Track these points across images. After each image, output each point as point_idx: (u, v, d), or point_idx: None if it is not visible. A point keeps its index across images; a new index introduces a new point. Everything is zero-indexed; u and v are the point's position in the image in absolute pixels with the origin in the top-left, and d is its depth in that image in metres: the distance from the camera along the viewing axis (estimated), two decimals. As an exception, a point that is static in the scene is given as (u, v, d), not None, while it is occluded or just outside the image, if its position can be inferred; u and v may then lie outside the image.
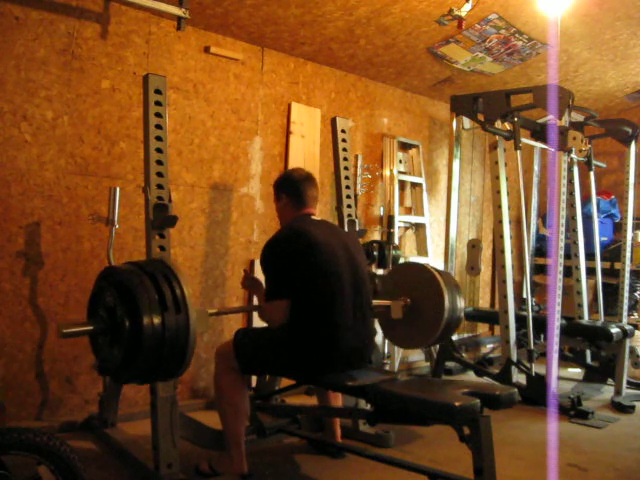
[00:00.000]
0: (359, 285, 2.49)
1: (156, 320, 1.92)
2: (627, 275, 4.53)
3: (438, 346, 4.39)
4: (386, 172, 4.48)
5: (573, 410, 3.54)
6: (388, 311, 2.91)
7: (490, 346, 5.21)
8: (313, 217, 2.57)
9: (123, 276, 2.01)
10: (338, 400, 2.78)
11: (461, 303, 2.96)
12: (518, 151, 3.91)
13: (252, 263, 3.72)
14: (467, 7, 3.36)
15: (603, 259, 4.82)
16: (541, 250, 5.41)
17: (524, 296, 4.67)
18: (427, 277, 2.97)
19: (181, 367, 2.04)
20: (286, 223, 2.58)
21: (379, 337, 4.32)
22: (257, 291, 2.55)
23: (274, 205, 2.70)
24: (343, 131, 3.23)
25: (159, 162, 2.46)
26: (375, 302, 2.82)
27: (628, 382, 4.11)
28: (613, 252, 5.06)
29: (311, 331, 2.34)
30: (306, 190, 2.57)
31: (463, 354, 4.46)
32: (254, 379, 3.20)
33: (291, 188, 2.57)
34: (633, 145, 4.64)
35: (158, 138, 2.46)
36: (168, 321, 1.94)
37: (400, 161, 4.60)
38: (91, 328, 2.02)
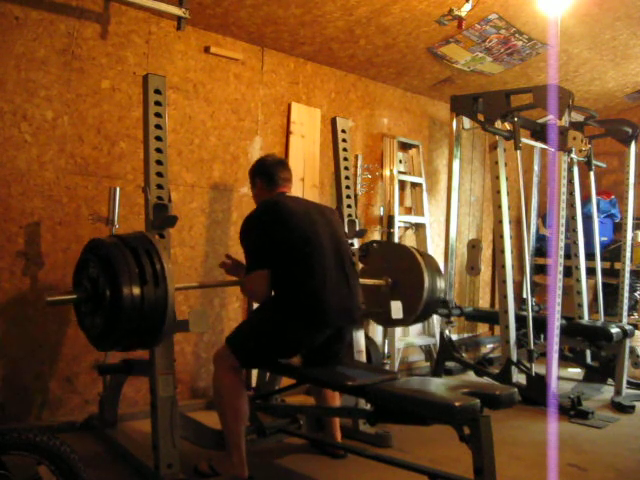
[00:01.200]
0: (339, 247, 2.54)
1: (135, 291, 2.04)
2: (627, 275, 4.52)
3: (438, 346, 4.40)
4: (386, 172, 4.48)
5: (573, 410, 3.54)
6: (375, 291, 3.03)
7: (490, 346, 5.21)
8: (287, 194, 2.65)
9: (107, 249, 2.11)
10: (336, 400, 2.78)
11: (441, 284, 3.05)
12: (518, 151, 3.91)
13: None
14: (467, 7, 3.36)
15: (603, 259, 4.81)
16: (541, 250, 5.41)
17: (524, 296, 4.67)
18: (408, 258, 3.04)
19: (158, 336, 2.16)
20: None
21: (379, 337, 4.35)
22: (239, 274, 2.63)
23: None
24: (343, 131, 3.22)
25: (159, 162, 2.46)
26: (362, 281, 2.93)
27: (628, 382, 4.11)
28: (613, 252, 5.06)
29: (295, 296, 2.39)
30: (278, 173, 2.67)
31: (463, 354, 4.46)
32: (254, 379, 3.20)
33: (264, 172, 2.68)
34: (633, 145, 4.64)
35: (158, 138, 2.46)
36: (147, 293, 2.06)
37: (400, 161, 4.60)
38: (74, 297, 2.16)
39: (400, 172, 4.56)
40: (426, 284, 2.92)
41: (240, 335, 2.49)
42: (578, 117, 4.62)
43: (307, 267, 2.39)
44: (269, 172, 2.66)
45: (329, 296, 2.40)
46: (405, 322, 3.26)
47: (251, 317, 2.57)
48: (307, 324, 2.39)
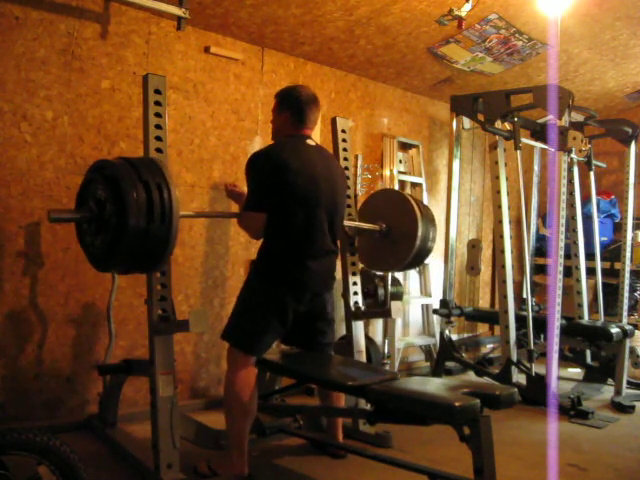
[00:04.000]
0: (333, 215, 2.57)
1: (142, 221, 2.05)
2: (627, 275, 4.53)
3: (438, 346, 4.40)
4: (386, 172, 4.48)
5: (573, 410, 3.54)
6: (366, 234, 3.13)
7: (490, 346, 5.21)
8: (308, 141, 2.57)
9: (115, 171, 2.11)
10: (341, 401, 2.77)
11: (434, 234, 3.09)
12: (518, 151, 3.91)
13: (252, 263, 3.71)
14: (467, 7, 3.36)
15: (603, 259, 4.81)
16: (541, 250, 5.40)
17: (524, 296, 4.66)
18: (404, 205, 3.07)
19: (159, 262, 2.20)
20: (281, 138, 2.58)
21: (379, 337, 4.35)
22: (239, 200, 2.66)
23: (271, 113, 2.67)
24: (343, 131, 3.23)
25: (159, 162, 2.45)
26: (355, 224, 3.03)
27: (628, 382, 4.11)
28: (613, 252, 5.06)
29: (282, 263, 2.46)
30: (309, 113, 2.56)
31: (463, 354, 4.46)
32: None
33: (296, 107, 2.54)
34: (633, 145, 4.64)
35: (158, 138, 2.46)
36: (153, 222, 2.07)
37: (400, 161, 4.60)
38: (79, 216, 2.19)
39: (400, 172, 4.56)
40: (419, 232, 2.96)
41: (233, 325, 2.51)
42: (578, 117, 4.61)
43: (298, 234, 2.44)
44: (301, 110, 2.53)
45: (314, 266, 2.47)
46: (395, 268, 3.34)
47: (236, 305, 2.57)
48: (292, 288, 2.46)
